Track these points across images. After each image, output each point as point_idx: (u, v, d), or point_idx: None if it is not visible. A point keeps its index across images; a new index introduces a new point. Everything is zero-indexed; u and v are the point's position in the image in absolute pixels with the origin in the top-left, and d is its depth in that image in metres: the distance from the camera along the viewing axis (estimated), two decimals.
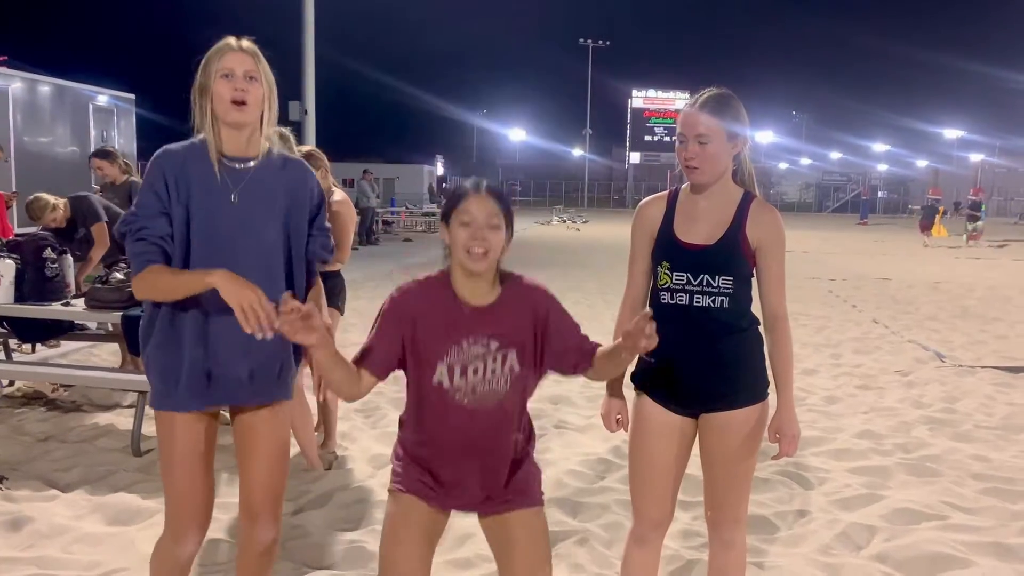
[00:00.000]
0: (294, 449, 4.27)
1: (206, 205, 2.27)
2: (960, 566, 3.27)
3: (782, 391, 2.44)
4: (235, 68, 2.26)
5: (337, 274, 4.52)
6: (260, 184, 2.32)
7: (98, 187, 6.41)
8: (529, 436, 2.29)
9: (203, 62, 2.29)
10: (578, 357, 2.21)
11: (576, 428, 5.11)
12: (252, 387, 2.35)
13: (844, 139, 75.42)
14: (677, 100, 75.84)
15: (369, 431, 4.98)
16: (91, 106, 14.49)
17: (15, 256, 4.71)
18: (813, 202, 70.64)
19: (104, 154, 6.38)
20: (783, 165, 77.03)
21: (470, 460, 2.17)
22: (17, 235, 6.13)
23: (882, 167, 72.08)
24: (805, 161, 76.27)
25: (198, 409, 2.32)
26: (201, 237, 2.26)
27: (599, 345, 2.22)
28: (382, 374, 2.15)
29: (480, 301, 2.14)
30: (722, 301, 2.38)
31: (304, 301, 2.24)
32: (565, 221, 36.07)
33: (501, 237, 2.11)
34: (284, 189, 2.37)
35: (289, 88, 16.99)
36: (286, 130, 4.18)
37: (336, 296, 4.49)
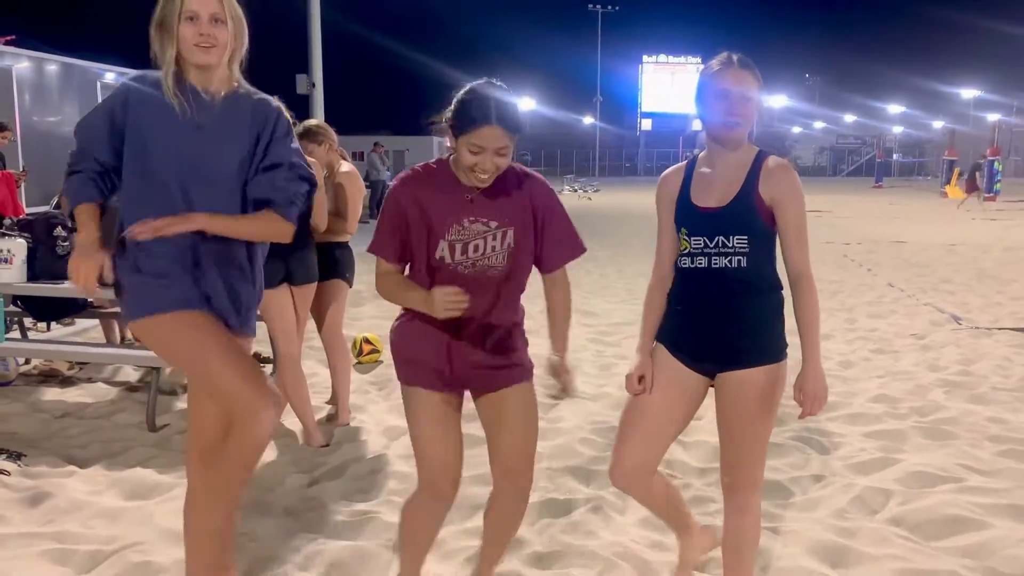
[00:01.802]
0: (297, 424, 4.31)
1: (166, 131, 2.28)
2: (976, 528, 3.26)
3: (806, 350, 2.43)
4: (199, 11, 2.23)
5: (346, 245, 4.51)
6: (226, 115, 2.33)
7: None
8: (521, 315, 2.46)
9: (162, 3, 2.26)
10: (562, 254, 2.41)
11: (588, 396, 5.10)
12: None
13: (858, 102, 74.51)
14: (688, 64, 75.15)
15: (382, 403, 4.99)
16: (99, 84, 14.45)
17: (27, 235, 4.72)
18: (827, 166, 70.10)
19: None
20: (797, 129, 76.31)
21: (469, 327, 2.31)
22: (28, 214, 6.15)
23: (897, 129, 71.21)
24: (819, 125, 75.51)
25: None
26: (163, 164, 2.28)
27: (585, 249, 2.45)
28: (400, 264, 2.32)
29: (481, 185, 2.26)
30: (739, 261, 2.38)
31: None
32: (576, 190, 35.92)
33: (509, 158, 2.22)
34: (251, 120, 2.37)
35: (296, 61, 16.90)
36: (275, 100, 4.15)
37: (344, 267, 4.47)
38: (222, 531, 2.52)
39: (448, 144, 2.26)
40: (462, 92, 2.22)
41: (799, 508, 3.53)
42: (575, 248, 2.43)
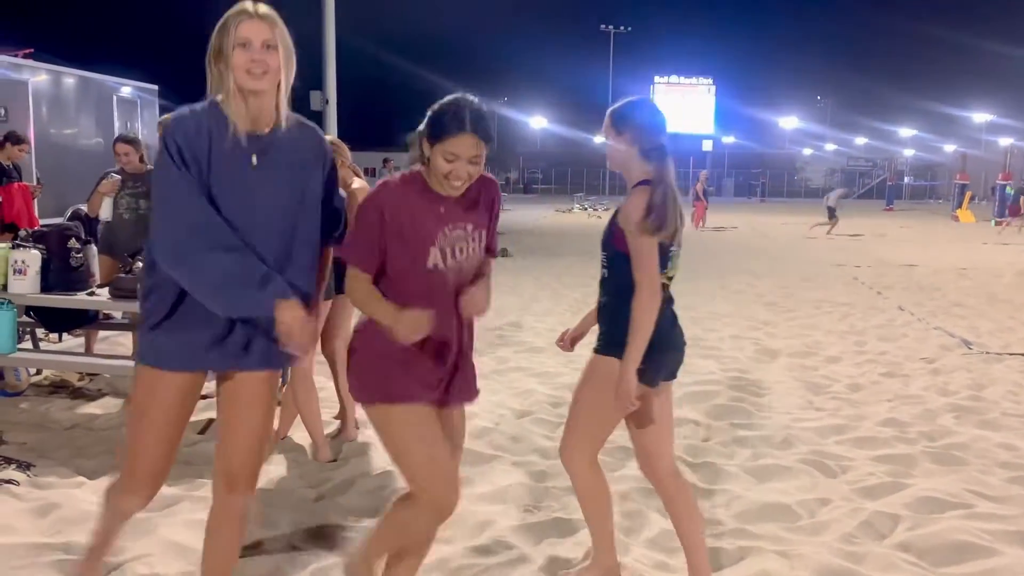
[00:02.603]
0: (306, 438, 4.32)
1: (225, 170, 2.25)
2: (985, 555, 3.23)
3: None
4: (252, 38, 2.22)
5: None
6: (279, 150, 2.32)
7: (116, 176, 6.26)
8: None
9: (219, 25, 2.25)
10: (495, 239, 2.55)
11: None
12: (248, 354, 2.35)
13: (870, 124, 74.55)
14: (700, 85, 75.38)
15: None
16: (115, 97, 14.59)
17: (41, 246, 4.76)
18: (838, 188, 70.00)
19: (130, 140, 6.25)
20: (808, 151, 76.26)
21: (448, 322, 2.38)
22: (42, 226, 6.19)
23: (908, 152, 71.13)
24: (830, 147, 75.46)
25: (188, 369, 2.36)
26: (221, 202, 2.24)
27: (490, 258, 2.54)
28: (373, 271, 2.35)
29: (454, 193, 2.35)
30: (603, 272, 2.84)
31: (314, 284, 2.44)
32: (587, 209, 35.98)
33: (481, 167, 2.32)
34: (301, 153, 2.36)
35: (310, 77, 17.02)
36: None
37: None
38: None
39: (424, 154, 2.31)
40: (437, 104, 2.31)
41: (806, 532, 3.51)
42: (493, 246, 2.57)
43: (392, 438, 2.40)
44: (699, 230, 22.98)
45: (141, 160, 6.23)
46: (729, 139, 75.28)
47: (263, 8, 2.27)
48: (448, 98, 2.30)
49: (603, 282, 2.86)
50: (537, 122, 76.84)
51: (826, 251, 17.40)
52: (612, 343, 2.76)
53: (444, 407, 2.47)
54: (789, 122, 78.03)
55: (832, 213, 22.49)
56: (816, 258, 15.82)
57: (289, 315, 2.20)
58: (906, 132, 72.43)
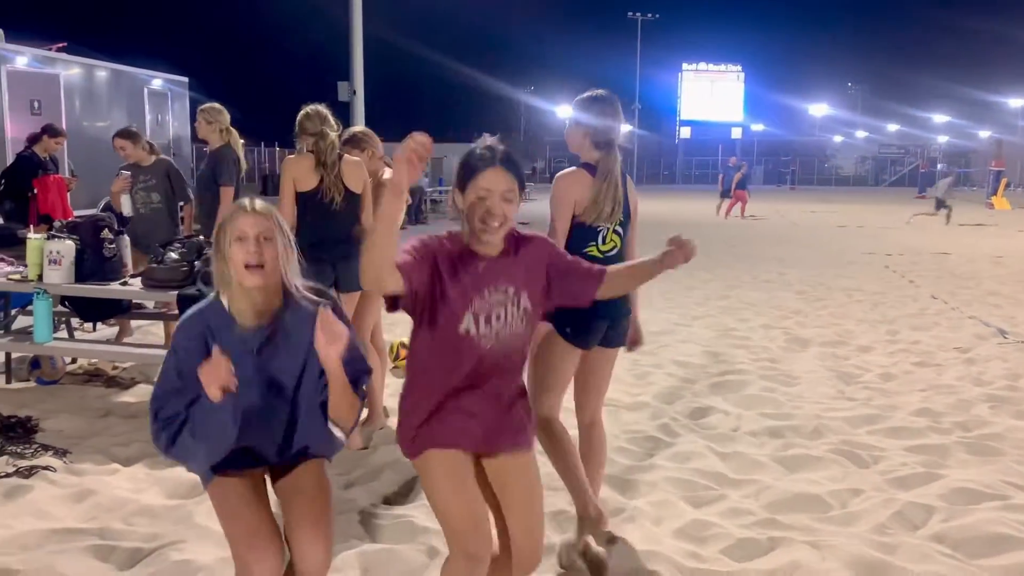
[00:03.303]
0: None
1: (233, 358, 2.25)
2: (1021, 547, 3.18)
3: None
4: (248, 231, 2.28)
5: None
6: (283, 336, 2.38)
7: (125, 172, 6.34)
8: (527, 421, 2.43)
9: (218, 226, 2.34)
10: (583, 284, 2.37)
11: (625, 406, 5.08)
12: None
13: (902, 110, 73.26)
14: (728, 72, 74.66)
15: None
16: (146, 90, 14.76)
17: (75, 237, 4.83)
18: (869, 176, 68.98)
19: (127, 134, 6.29)
20: (838, 138, 75.26)
21: (487, 397, 2.29)
22: (76, 217, 6.29)
23: (942, 139, 69.94)
24: (861, 134, 74.39)
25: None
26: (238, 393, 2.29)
27: (604, 269, 2.38)
28: (404, 286, 2.14)
29: (493, 252, 2.27)
30: None
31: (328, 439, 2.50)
32: None
33: (516, 206, 2.23)
34: (304, 333, 2.34)
35: (338, 69, 17.09)
36: (323, 107, 4.21)
37: None
38: None
39: (458, 207, 2.25)
40: (465, 154, 2.28)
41: (837, 522, 3.47)
42: (597, 271, 2.40)
43: (427, 487, 2.33)
44: (741, 219, 22.76)
45: (150, 151, 6.27)
46: (758, 126, 74.51)
47: (259, 204, 2.35)
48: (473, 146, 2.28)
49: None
50: (564, 111, 76.48)
51: (856, 239, 17.18)
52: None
53: (490, 454, 2.38)
54: (819, 109, 77.02)
55: (941, 204, 21.84)
56: (847, 247, 15.63)
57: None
58: (939, 118, 71.18)
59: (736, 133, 73.68)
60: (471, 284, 2.23)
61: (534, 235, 2.39)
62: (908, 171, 61.67)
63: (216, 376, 2.15)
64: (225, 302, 2.37)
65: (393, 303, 2.20)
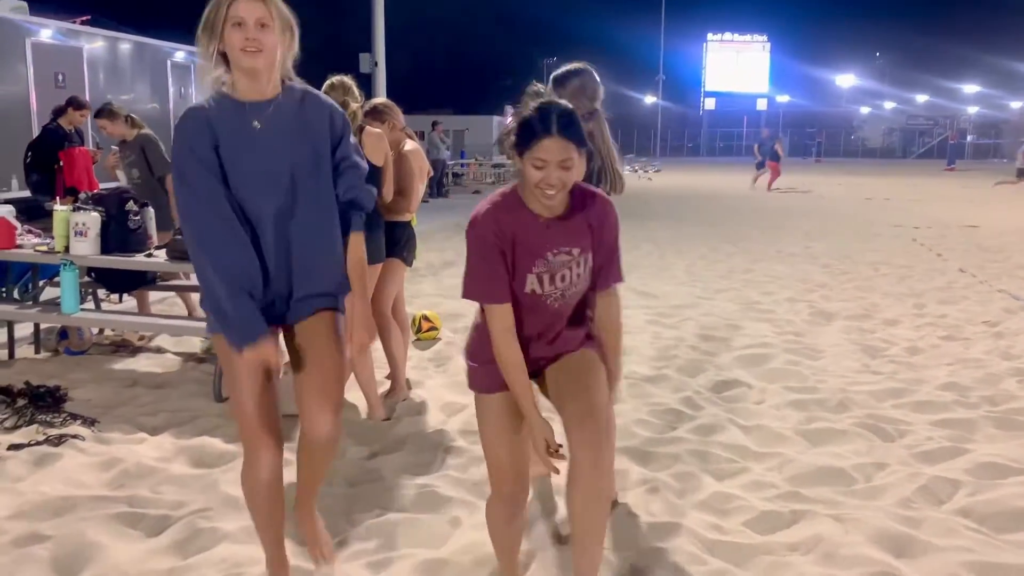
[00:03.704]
0: (360, 399, 4.38)
1: (237, 142, 2.28)
2: None
3: None
4: (246, 17, 2.22)
5: (407, 225, 4.54)
6: (281, 114, 2.32)
7: (115, 148, 6.46)
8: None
9: (212, 8, 2.26)
10: (603, 276, 2.37)
11: (646, 378, 5.07)
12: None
13: (931, 81, 71.77)
14: (754, 43, 73.55)
15: (441, 378, 5.03)
16: (169, 62, 14.78)
17: (100, 209, 4.86)
18: (897, 147, 67.91)
19: (105, 112, 6.32)
20: (865, 109, 74.07)
21: (548, 343, 2.37)
22: (101, 189, 6.33)
23: (972, 110, 68.62)
24: (889, 105, 73.11)
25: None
26: (233, 171, 2.28)
27: (612, 295, 2.41)
28: (509, 299, 2.26)
29: (554, 213, 2.26)
30: None
31: (343, 255, 2.43)
32: (637, 170, 35.56)
33: (575, 171, 2.19)
34: (305, 119, 2.35)
35: (359, 40, 17.02)
36: (348, 79, 4.19)
37: (402, 247, 4.51)
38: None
39: (517, 167, 2.23)
40: (525, 110, 2.21)
41: (862, 496, 3.45)
42: (617, 274, 2.40)
43: (480, 424, 2.43)
44: (770, 191, 22.53)
45: (132, 125, 6.32)
46: (784, 98, 73.46)
47: None
48: (534, 103, 2.20)
49: None
50: None
51: (883, 212, 16.95)
52: None
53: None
54: (846, 80, 75.75)
55: (1022, 173, 21.49)
56: (873, 219, 15.43)
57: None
58: (970, 88, 69.77)
59: (761, 104, 72.72)
60: (535, 247, 2.25)
61: (600, 196, 2.35)
62: (937, 143, 60.62)
63: (270, 358, 2.26)
64: (226, 88, 2.33)
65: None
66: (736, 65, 73.39)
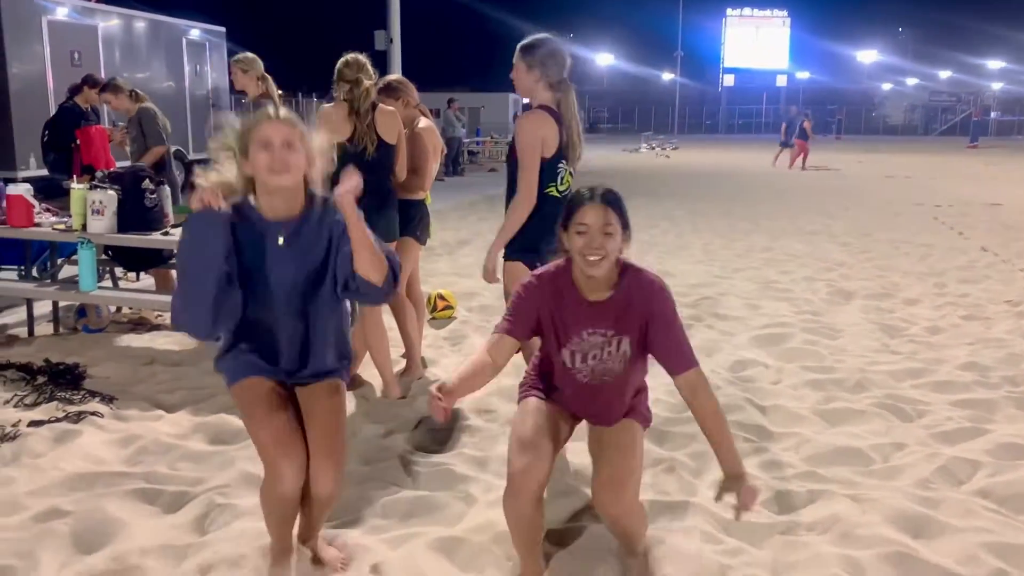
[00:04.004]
0: (376, 377, 4.38)
1: (256, 254, 2.40)
2: None
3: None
4: (273, 138, 2.32)
5: (420, 203, 4.52)
6: (309, 230, 2.42)
7: (121, 124, 6.55)
8: (641, 392, 2.63)
9: (242, 129, 2.38)
10: (667, 362, 2.43)
11: None
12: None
13: (954, 56, 70.71)
14: (774, 18, 72.61)
15: (456, 357, 5.03)
16: (184, 40, 14.77)
17: (116, 187, 4.87)
18: (919, 124, 67.03)
19: (109, 87, 6.40)
20: (887, 86, 73.08)
21: (591, 410, 2.57)
22: (118, 168, 6.35)
23: (996, 86, 67.56)
24: (911, 81, 72.10)
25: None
26: (257, 282, 2.41)
27: (694, 367, 2.41)
28: (522, 338, 2.48)
29: (598, 296, 2.41)
30: (508, 185, 3.53)
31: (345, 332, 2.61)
32: (654, 148, 35.32)
33: (617, 241, 2.35)
34: (325, 232, 2.43)
35: (374, 17, 16.93)
36: (363, 56, 4.16)
37: (416, 225, 4.49)
38: None
39: (564, 246, 2.43)
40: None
41: (879, 476, 3.43)
42: (684, 360, 2.41)
43: (512, 424, 2.60)
44: (803, 170, 22.30)
45: (136, 99, 6.41)
46: (804, 74, 72.61)
47: (284, 112, 2.39)
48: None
49: (508, 195, 3.42)
50: (603, 59, 75.34)
51: (904, 190, 16.76)
52: (519, 248, 3.40)
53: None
54: (868, 56, 74.76)
55: None
56: (894, 197, 15.26)
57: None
58: (994, 64, 68.65)
59: (781, 81, 71.95)
60: (572, 324, 2.43)
61: (652, 283, 2.44)
62: (960, 119, 59.78)
63: (206, 197, 2.30)
64: (252, 200, 2.42)
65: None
66: (755, 41, 72.54)
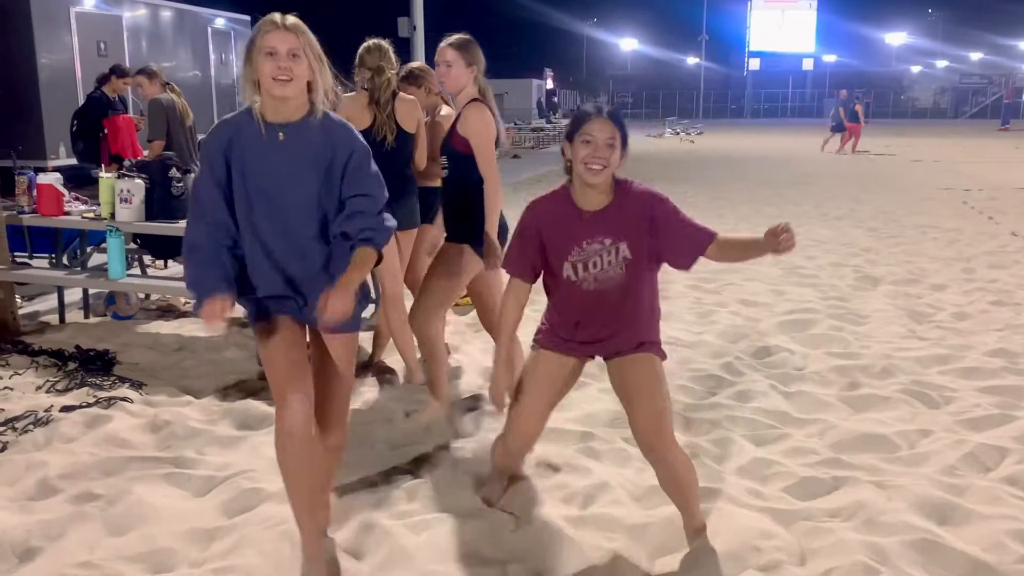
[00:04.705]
0: (399, 363, 4.41)
1: (256, 157, 2.43)
2: None
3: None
4: (278, 46, 2.35)
5: (437, 191, 4.52)
6: (308, 131, 2.45)
7: (140, 116, 6.69)
8: (652, 312, 2.75)
9: (250, 39, 2.40)
10: (690, 249, 2.60)
11: (686, 344, 5.03)
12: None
13: (985, 38, 69.30)
14: (801, 1, 71.56)
15: (479, 343, 5.05)
16: (209, 29, 14.85)
17: (144, 176, 4.93)
18: (948, 107, 65.93)
19: (146, 71, 6.58)
20: (916, 68, 71.89)
21: (600, 326, 2.68)
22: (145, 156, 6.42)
23: None
24: (941, 64, 70.84)
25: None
26: (254, 188, 2.44)
27: (715, 234, 2.58)
28: (532, 279, 2.72)
29: (595, 207, 2.60)
30: (444, 173, 3.77)
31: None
32: (679, 133, 35.05)
33: (617, 154, 2.53)
34: (326, 142, 2.46)
35: (397, 4, 16.92)
36: (385, 42, 4.16)
37: (435, 213, 4.50)
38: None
39: (566, 157, 2.60)
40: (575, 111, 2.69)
41: (905, 463, 3.41)
42: (702, 237, 2.59)
43: (522, 375, 2.82)
44: (854, 153, 22.01)
45: (165, 89, 6.56)
46: (831, 57, 71.58)
47: (290, 19, 2.40)
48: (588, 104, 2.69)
49: (446, 181, 3.69)
50: (627, 44, 74.72)
51: (932, 174, 16.53)
52: (462, 232, 3.64)
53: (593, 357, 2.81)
54: (896, 38, 73.52)
55: None
56: (922, 182, 15.06)
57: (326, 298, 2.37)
58: None
59: (807, 65, 70.96)
60: (572, 237, 2.60)
61: (645, 191, 2.63)
62: (991, 102, 58.71)
63: (215, 314, 2.33)
64: (255, 108, 2.45)
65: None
66: (781, 24, 71.52)
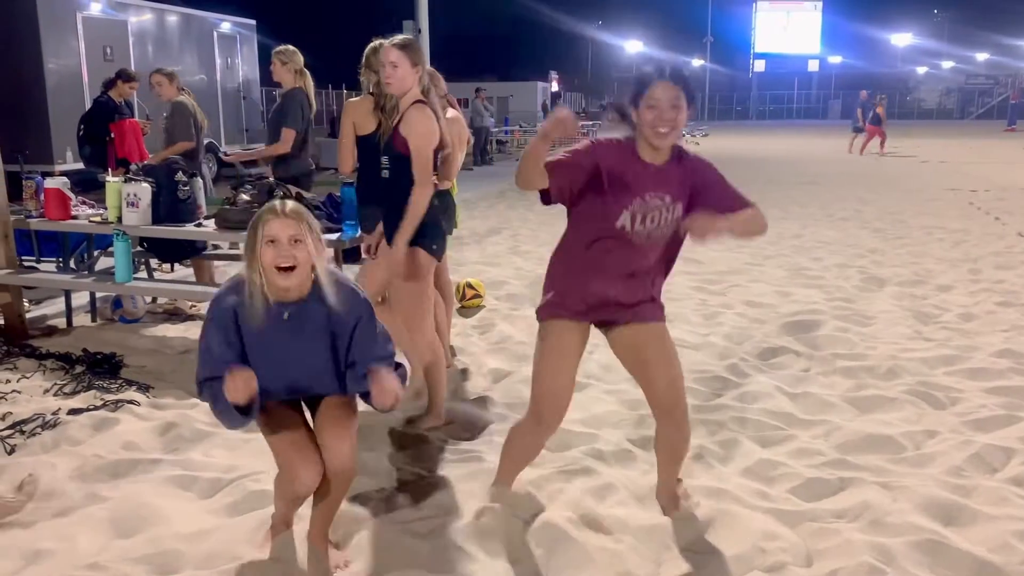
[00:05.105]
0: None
1: (261, 334, 2.46)
2: None
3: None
4: (279, 235, 2.37)
5: (446, 193, 4.53)
6: (312, 308, 2.48)
7: (164, 114, 6.73)
8: (668, 268, 2.80)
9: (251, 224, 2.42)
10: (727, 201, 2.61)
11: (691, 346, 5.03)
12: None
13: (992, 38, 69.09)
14: (806, 2, 71.49)
15: (484, 345, 5.05)
16: (215, 34, 14.91)
17: (150, 180, 4.95)
18: (955, 108, 65.72)
19: (165, 72, 6.65)
20: (922, 69, 71.70)
21: (624, 281, 2.65)
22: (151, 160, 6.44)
23: None
24: (947, 64, 70.64)
25: None
26: (259, 359, 2.47)
27: (754, 205, 2.63)
28: (555, 196, 2.54)
29: (659, 162, 2.59)
30: (385, 174, 3.68)
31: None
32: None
33: (684, 115, 2.51)
34: (331, 315, 2.49)
35: (402, 7, 16.94)
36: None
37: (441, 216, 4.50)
38: None
39: (634, 120, 2.54)
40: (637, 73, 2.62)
41: (911, 464, 3.40)
42: (742, 201, 2.63)
43: (536, 349, 2.76)
44: (881, 154, 21.93)
45: (177, 92, 6.64)
46: (836, 59, 71.47)
47: (290, 206, 2.42)
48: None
49: (388, 183, 3.61)
50: (632, 46, 74.63)
51: (938, 175, 16.49)
52: (420, 235, 3.55)
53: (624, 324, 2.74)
54: (902, 39, 73.36)
55: None
56: (928, 183, 15.02)
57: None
58: None
59: (813, 66, 70.86)
60: (635, 186, 2.55)
61: (700, 157, 2.68)
62: (997, 103, 58.53)
63: (239, 388, 2.31)
64: (255, 288, 2.46)
65: (544, 196, 2.54)
66: (787, 25, 71.45)
